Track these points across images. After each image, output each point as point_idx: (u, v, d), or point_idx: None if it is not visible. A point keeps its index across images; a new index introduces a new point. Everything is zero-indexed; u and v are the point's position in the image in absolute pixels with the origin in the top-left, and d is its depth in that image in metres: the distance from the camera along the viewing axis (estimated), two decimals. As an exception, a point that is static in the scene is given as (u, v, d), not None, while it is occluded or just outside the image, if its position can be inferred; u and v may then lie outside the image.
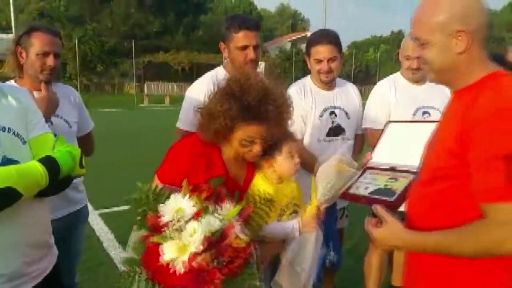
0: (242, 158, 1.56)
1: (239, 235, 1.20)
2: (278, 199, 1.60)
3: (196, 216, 1.18)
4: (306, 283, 1.66)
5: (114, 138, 8.85)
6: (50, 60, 1.91)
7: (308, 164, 2.44)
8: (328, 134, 2.40)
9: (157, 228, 1.19)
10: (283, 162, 1.60)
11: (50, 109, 1.85)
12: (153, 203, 1.24)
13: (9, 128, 1.34)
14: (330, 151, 2.38)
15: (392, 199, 1.49)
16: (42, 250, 1.46)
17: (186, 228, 1.15)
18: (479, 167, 1.10)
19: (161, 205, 1.22)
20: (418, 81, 2.51)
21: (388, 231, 1.28)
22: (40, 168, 1.28)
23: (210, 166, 1.50)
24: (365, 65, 26.51)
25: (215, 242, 1.16)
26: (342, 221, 2.65)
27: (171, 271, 1.13)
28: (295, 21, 58.91)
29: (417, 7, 1.26)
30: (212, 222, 1.17)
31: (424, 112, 2.47)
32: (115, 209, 4.58)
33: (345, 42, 41.84)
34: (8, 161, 1.28)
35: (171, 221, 1.18)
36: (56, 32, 1.99)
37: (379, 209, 1.33)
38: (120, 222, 4.00)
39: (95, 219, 4.33)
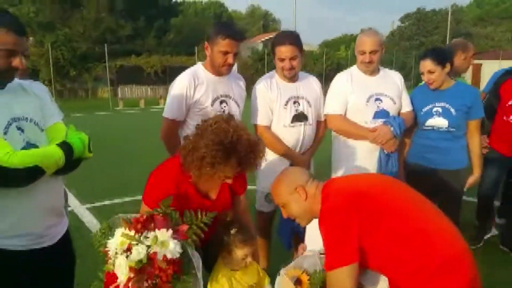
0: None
1: (167, 252, 1.44)
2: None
3: (127, 249, 1.45)
4: None
5: (94, 140, 8.95)
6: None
7: (275, 148, 2.78)
8: (292, 120, 2.74)
9: (108, 257, 1.51)
10: (240, 263, 1.86)
11: None
12: (102, 240, 1.56)
13: (30, 119, 1.64)
14: (295, 135, 2.76)
15: None
16: (58, 217, 1.79)
17: (116, 263, 1.45)
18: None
19: (108, 240, 1.52)
20: (371, 72, 2.88)
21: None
22: (58, 151, 1.59)
23: (180, 187, 1.77)
24: (337, 63, 27.09)
25: (143, 267, 1.43)
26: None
27: None
28: (266, 22, 59.33)
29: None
30: (139, 251, 1.43)
31: (377, 99, 2.83)
32: (98, 204, 4.89)
33: (316, 41, 42.42)
34: (30, 145, 1.58)
35: (113, 252, 1.48)
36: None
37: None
38: (106, 214, 4.24)
39: (83, 213, 4.57)
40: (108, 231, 1.59)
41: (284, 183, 1.81)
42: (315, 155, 3.01)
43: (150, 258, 1.44)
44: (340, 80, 2.91)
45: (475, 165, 3.00)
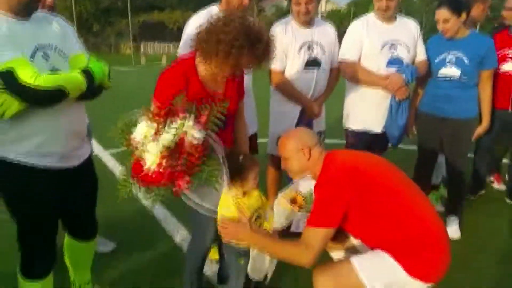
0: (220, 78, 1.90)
1: (192, 139, 1.57)
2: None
3: (155, 136, 1.58)
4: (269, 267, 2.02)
5: (116, 91, 9.22)
6: None
7: (287, 93, 2.88)
8: (306, 66, 2.80)
9: (134, 148, 1.64)
10: (251, 183, 1.96)
11: None
12: (126, 132, 1.68)
13: (55, 47, 1.74)
14: (308, 80, 2.83)
15: None
16: (82, 139, 1.93)
17: (148, 149, 1.59)
18: None
19: (133, 130, 1.65)
20: (388, 20, 2.89)
21: (240, 228, 1.85)
22: (80, 77, 1.70)
23: (189, 84, 1.84)
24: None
25: (172, 150, 1.56)
26: (320, 143, 3.12)
27: (151, 175, 1.60)
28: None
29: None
30: (167, 138, 1.56)
31: (391, 46, 2.86)
32: (120, 150, 5.05)
33: (344, 0, 40.99)
34: (55, 71, 1.68)
35: (140, 142, 1.61)
36: None
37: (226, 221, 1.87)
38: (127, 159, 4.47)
39: (106, 157, 4.82)
40: (129, 127, 1.68)
41: (294, 140, 1.94)
42: (328, 111, 3.11)
43: (178, 143, 1.57)
44: (356, 26, 2.94)
45: (485, 114, 3.03)
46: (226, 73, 1.81)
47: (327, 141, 3.33)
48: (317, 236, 1.70)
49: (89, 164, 2.02)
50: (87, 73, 1.73)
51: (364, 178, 1.75)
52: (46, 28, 1.75)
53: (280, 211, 2.06)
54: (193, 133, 1.58)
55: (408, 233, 1.70)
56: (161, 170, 1.58)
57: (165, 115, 1.61)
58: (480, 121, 3.08)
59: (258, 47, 1.73)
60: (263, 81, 3.07)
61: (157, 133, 1.59)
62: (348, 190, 1.71)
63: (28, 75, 1.52)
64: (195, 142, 1.58)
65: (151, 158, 1.58)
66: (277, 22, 2.92)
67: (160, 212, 3.37)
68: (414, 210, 1.74)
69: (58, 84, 1.60)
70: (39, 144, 1.70)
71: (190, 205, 1.74)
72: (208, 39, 1.73)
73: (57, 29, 1.79)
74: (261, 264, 1.99)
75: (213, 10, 2.56)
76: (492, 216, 3.55)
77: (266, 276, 2.04)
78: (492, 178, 4.22)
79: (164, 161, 1.57)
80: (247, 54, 1.71)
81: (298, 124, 2.86)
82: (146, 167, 1.60)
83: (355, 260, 1.76)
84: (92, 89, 1.76)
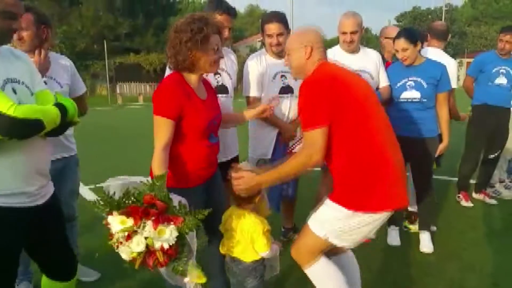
0: (203, 80, 2.13)
1: (163, 245, 1.57)
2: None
3: (128, 238, 1.57)
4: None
5: (95, 129, 9.32)
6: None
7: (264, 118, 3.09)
8: (280, 93, 3.04)
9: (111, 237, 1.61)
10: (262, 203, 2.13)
11: (41, 70, 2.16)
12: (104, 207, 1.63)
13: (22, 82, 1.70)
14: (283, 106, 3.06)
15: None
16: (46, 177, 1.83)
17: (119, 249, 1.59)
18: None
19: (109, 217, 1.59)
20: (352, 51, 3.19)
21: (246, 178, 1.96)
22: (56, 110, 1.66)
23: (185, 92, 1.98)
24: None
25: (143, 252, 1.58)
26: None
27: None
28: (264, 21, 59.43)
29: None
30: (138, 243, 1.56)
31: (357, 74, 3.12)
32: (99, 185, 5.14)
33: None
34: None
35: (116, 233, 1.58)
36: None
37: (238, 167, 2.05)
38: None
39: (86, 192, 4.86)
40: (107, 200, 1.63)
41: (301, 35, 2.05)
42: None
43: (149, 249, 1.58)
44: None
45: (444, 133, 3.30)
46: (211, 59, 1.98)
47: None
48: (316, 137, 1.84)
49: (55, 200, 1.90)
50: (60, 106, 1.70)
51: (344, 88, 1.89)
52: (14, 63, 1.72)
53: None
54: (165, 235, 1.58)
55: (363, 158, 1.87)
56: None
57: (142, 213, 1.59)
58: (440, 139, 3.35)
59: (211, 21, 1.96)
60: (242, 107, 3.27)
61: (130, 236, 1.58)
62: (330, 94, 1.85)
63: (5, 106, 1.47)
64: (166, 246, 1.59)
65: (124, 254, 1.60)
66: (252, 55, 3.17)
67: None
68: (377, 137, 1.90)
69: (36, 116, 1.55)
70: (6, 183, 1.62)
71: None
72: (177, 50, 1.95)
73: (24, 64, 1.77)
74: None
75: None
76: (466, 230, 3.78)
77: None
78: (460, 196, 4.49)
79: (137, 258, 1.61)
80: (208, 32, 1.93)
81: (275, 147, 3.05)
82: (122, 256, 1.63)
83: (309, 220, 2.00)
84: (64, 123, 1.72)
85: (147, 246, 1.58)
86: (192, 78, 2.05)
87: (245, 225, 2.01)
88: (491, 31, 37.79)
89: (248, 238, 2.00)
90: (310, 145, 1.86)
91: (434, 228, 3.63)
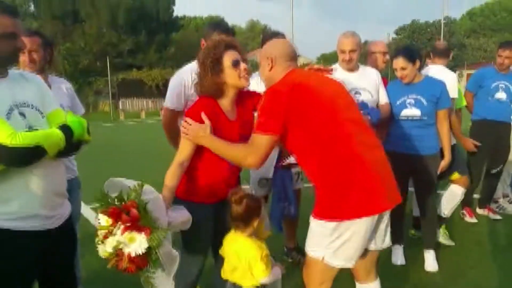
0: (234, 102, 2.15)
1: (130, 252, 1.63)
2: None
3: (104, 236, 1.67)
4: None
5: (97, 147, 9.32)
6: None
7: None
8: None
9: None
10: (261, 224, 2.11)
11: None
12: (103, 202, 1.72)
13: (32, 105, 1.71)
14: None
15: None
16: (62, 197, 1.84)
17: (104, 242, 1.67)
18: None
19: (99, 215, 1.70)
20: (351, 69, 3.20)
21: (195, 126, 1.99)
22: (59, 133, 1.65)
23: (213, 115, 2.05)
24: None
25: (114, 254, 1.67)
26: (298, 183, 3.29)
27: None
28: (265, 36, 59.96)
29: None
30: (109, 244, 1.64)
31: (356, 93, 3.15)
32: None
33: (314, 54, 43.00)
34: (32, 130, 1.63)
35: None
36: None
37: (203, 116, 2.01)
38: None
39: (87, 211, 4.83)
40: (105, 196, 1.72)
41: (266, 48, 2.13)
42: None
43: (117, 253, 1.65)
44: (324, 76, 3.23)
45: (446, 150, 3.29)
46: (234, 74, 2.04)
47: (306, 184, 3.51)
48: (262, 141, 1.87)
49: (70, 223, 1.92)
50: (65, 128, 1.69)
51: (306, 94, 1.88)
52: (23, 86, 1.73)
53: None
54: (135, 243, 1.64)
55: (334, 162, 1.84)
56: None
57: (116, 217, 1.66)
58: (442, 156, 3.33)
59: (218, 42, 2.04)
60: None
61: (107, 235, 1.66)
62: (285, 101, 1.85)
63: (4, 136, 1.48)
64: (132, 254, 1.64)
65: (100, 251, 1.70)
66: (252, 74, 3.18)
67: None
68: (347, 140, 1.86)
69: (36, 141, 1.55)
70: (21, 206, 1.63)
71: None
72: (204, 72, 2.04)
73: (34, 86, 1.78)
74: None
75: (194, 65, 2.81)
76: (470, 246, 3.74)
77: None
78: (464, 211, 4.45)
79: (111, 258, 1.69)
80: (216, 53, 2.01)
81: (276, 165, 3.05)
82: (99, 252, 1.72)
83: (305, 246, 1.99)
84: (71, 144, 1.71)
85: (116, 248, 1.64)
86: (224, 102, 2.12)
87: (242, 251, 1.97)
88: (489, 43, 38.03)
89: (246, 264, 1.96)
90: (252, 146, 1.89)
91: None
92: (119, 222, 1.64)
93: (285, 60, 2.04)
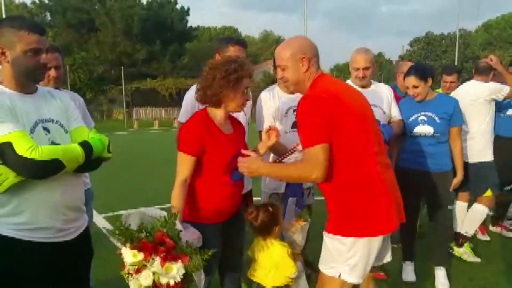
0: (228, 117, 2.22)
1: (169, 281, 1.67)
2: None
3: (137, 271, 1.69)
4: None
5: (113, 155, 9.43)
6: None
7: (277, 152, 3.12)
8: (292, 127, 3.07)
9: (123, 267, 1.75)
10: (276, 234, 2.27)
11: None
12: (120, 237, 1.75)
13: (56, 121, 1.79)
14: (295, 140, 3.07)
15: None
16: (77, 211, 1.87)
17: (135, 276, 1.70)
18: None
19: (123, 248, 1.72)
20: (364, 86, 3.22)
21: (251, 158, 2.03)
22: (78, 149, 1.71)
23: (208, 129, 2.09)
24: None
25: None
26: (309, 199, 3.30)
27: None
28: (278, 46, 60.20)
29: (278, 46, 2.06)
30: (146, 277, 1.67)
31: (368, 109, 3.16)
32: (113, 213, 5.20)
33: (328, 65, 43.05)
34: (54, 145, 1.71)
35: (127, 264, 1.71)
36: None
37: (246, 153, 2.09)
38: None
39: (100, 221, 4.91)
40: (122, 230, 1.75)
41: (293, 48, 1.94)
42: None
43: (155, 283, 1.69)
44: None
45: (458, 167, 3.28)
46: (239, 101, 2.10)
47: (316, 198, 3.51)
48: (316, 152, 1.77)
49: (86, 237, 1.95)
50: (85, 145, 1.75)
51: (342, 108, 1.83)
52: (49, 102, 1.80)
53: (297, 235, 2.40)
54: (173, 272, 1.68)
55: (361, 177, 1.84)
56: None
57: (152, 250, 1.68)
58: (454, 173, 3.32)
59: (246, 65, 2.08)
60: (256, 142, 3.32)
61: (139, 269, 1.69)
62: (328, 109, 1.79)
63: (24, 148, 1.54)
64: (172, 282, 1.68)
65: (132, 285, 1.72)
66: (265, 89, 3.23)
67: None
68: (372, 155, 1.87)
69: (54, 156, 1.61)
70: (32, 218, 1.67)
71: None
72: (208, 85, 2.06)
73: (59, 103, 1.85)
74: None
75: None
76: (483, 264, 3.69)
77: None
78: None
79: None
80: (242, 74, 2.04)
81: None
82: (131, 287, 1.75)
83: (319, 264, 1.98)
84: (90, 161, 1.76)
85: (154, 281, 1.68)
86: (218, 114, 2.16)
87: (270, 254, 2.18)
88: (505, 55, 37.65)
89: (273, 264, 2.16)
90: (311, 161, 1.79)
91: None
92: (153, 255, 1.67)
93: (316, 61, 1.98)
